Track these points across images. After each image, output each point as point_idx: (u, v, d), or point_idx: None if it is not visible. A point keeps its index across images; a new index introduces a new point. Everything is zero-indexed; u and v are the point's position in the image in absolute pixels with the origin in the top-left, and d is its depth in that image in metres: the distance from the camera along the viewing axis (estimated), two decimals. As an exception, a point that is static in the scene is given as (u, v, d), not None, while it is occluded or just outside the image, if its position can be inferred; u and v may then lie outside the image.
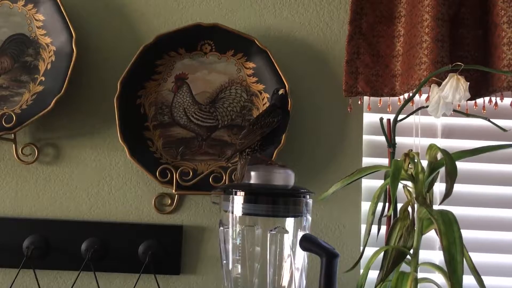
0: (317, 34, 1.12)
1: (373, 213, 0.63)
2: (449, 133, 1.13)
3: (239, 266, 0.85)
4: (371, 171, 0.70)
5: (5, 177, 1.07)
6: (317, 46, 1.12)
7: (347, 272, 0.69)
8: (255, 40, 1.05)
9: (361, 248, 0.64)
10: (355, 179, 0.70)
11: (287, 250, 0.84)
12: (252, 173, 0.85)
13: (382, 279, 0.64)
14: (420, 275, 0.65)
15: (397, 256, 0.64)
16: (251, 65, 1.07)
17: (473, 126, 1.12)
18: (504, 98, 1.04)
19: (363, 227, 1.09)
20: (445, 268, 0.61)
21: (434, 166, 0.63)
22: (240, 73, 1.08)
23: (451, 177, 0.57)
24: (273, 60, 1.05)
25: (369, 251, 0.76)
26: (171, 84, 1.07)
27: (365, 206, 1.09)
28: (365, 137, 1.11)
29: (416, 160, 0.63)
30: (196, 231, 1.07)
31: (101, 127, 1.08)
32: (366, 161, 1.10)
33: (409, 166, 0.64)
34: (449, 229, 0.57)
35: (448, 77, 0.85)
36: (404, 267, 0.66)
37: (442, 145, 1.11)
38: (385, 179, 0.71)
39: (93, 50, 1.09)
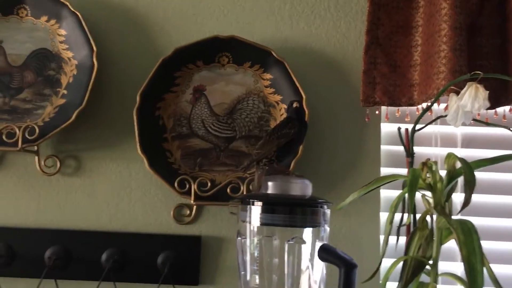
0: (334, 45, 1.13)
1: (391, 222, 0.63)
2: (469, 142, 1.12)
3: (257, 277, 0.85)
4: (389, 180, 0.69)
5: (28, 189, 1.09)
6: (334, 56, 1.13)
7: (365, 282, 0.69)
8: (272, 52, 1.06)
9: (381, 259, 0.63)
10: (372, 188, 0.70)
11: (305, 261, 0.84)
12: (270, 183, 0.86)
13: (401, 289, 0.64)
14: (440, 287, 0.65)
15: (416, 266, 0.63)
16: (268, 76, 1.08)
17: (494, 136, 1.10)
18: (525, 107, 1.03)
19: (382, 238, 1.07)
20: (464, 278, 0.61)
21: (452, 175, 0.63)
22: (257, 84, 1.09)
23: (470, 186, 0.56)
24: (289, 71, 1.05)
25: (388, 262, 0.75)
26: (189, 96, 1.09)
27: (384, 217, 1.08)
28: (383, 147, 1.10)
29: (434, 169, 0.63)
30: (215, 241, 1.08)
31: (121, 139, 1.10)
32: (384, 171, 1.09)
33: (427, 175, 0.64)
34: (469, 238, 0.57)
35: (466, 86, 0.85)
36: (424, 278, 0.65)
37: (462, 154, 1.09)
38: (403, 188, 0.71)
39: (113, 64, 1.11)
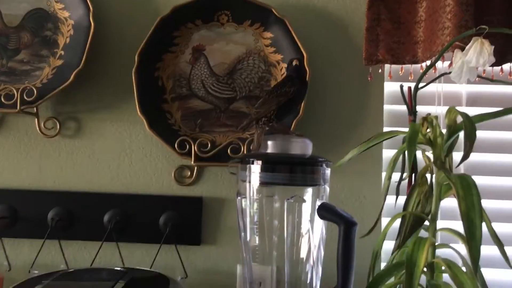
0: (337, 1, 1.10)
1: (389, 178, 0.62)
2: (474, 101, 1.09)
3: (257, 237, 0.85)
4: (389, 136, 0.68)
5: (29, 151, 1.09)
6: (337, 13, 1.10)
7: (363, 237, 0.69)
8: (273, 9, 1.03)
9: (379, 215, 0.63)
10: (372, 144, 0.69)
11: (305, 221, 0.84)
12: (269, 143, 0.85)
13: (399, 245, 0.63)
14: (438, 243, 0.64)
15: (415, 222, 0.63)
16: (269, 35, 1.06)
17: (499, 94, 1.08)
18: (533, 64, 1.00)
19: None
20: (464, 234, 0.60)
21: (453, 130, 0.61)
22: (257, 43, 1.06)
23: (470, 140, 0.55)
24: (290, 29, 1.03)
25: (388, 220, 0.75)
26: (188, 56, 1.07)
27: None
28: (386, 107, 1.09)
29: (434, 124, 0.61)
30: (216, 202, 1.08)
31: (120, 100, 1.08)
32: (387, 131, 1.08)
33: (427, 130, 0.62)
34: (468, 193, 0.56)
35: (472, 41, 0.82)
36: (422, 234, 0.65)
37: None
38: (403, 144, 0.70)
39: (111, 23, 1.09)
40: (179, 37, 1.06)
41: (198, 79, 1.06)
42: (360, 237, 0.69)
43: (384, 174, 1.07)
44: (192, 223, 1.06)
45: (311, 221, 0.83)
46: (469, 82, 0.85)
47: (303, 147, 0.86)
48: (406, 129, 1.01)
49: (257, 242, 0.85)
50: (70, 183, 1.08)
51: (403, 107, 1.06)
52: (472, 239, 0.54)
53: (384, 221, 1.05)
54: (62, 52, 1.05)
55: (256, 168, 0.83)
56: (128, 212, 1.05)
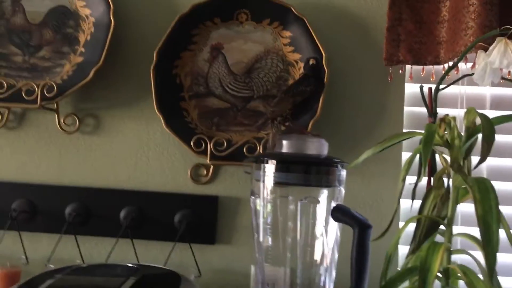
0: (358, 1, 1.08)
1: (404, 179, 0.60)
2: (498, 104, 1.06)
3: (270, 237, 0.84)
4: (405, 137, 0.66)
5: (49, 146, 1.10)
6: (358, 13, 1.08)
7: (375, 240, 0.67)
8: (292, 8, 1.02)
9: (392, 219, 0.61)
10: (387, 145, 0.67)
11: (319, 221, 0.82)
12: (284, 142, 0.83)
13: (413, 250, 0.61)
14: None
15: (430, 226, 0.61)
16: (288, 34, 1.05)
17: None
18: (560, 66, 0.97)
19: (403, 202, 1.05)
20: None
21: (472, 132, 0.59)
22: (276, 42, 1.05)
23: (488, 141, 0.53)
24: (310, 29, 1.01)
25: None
26: (206, 54, 1.06)
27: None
28: (406, 109, 1.06)
29: (452, 125, 0.59)
30: (231, 201, 1.07)
31: (138, 97, 1.09)
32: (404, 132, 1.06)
33: (445, 132, 0.60)
34: (485, 197, 0.54)
35: (495, 41, 0.80)
36: (438, 238, 0.63)
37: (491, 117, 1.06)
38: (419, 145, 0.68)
39: (130, 21, 1.09)
40: (197, 35, 1.06)
41: (216, 77, 1.06)
42: (372, 240, 0.67)
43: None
44: (207, 222, 1.05)
45: (326, 223, 0.82)
46: (492, 84, 0.82)
47: (318, 147, 0.84)
48: (418, 131, 1.01)
49: (270, 242, 0.84)
50: (88, 179, 1.09)
51: (424, 109, 1.04)
52: (488, 245, 0.52)
53: (401, 225, 1.03)
54: (83, 49, 1.07)
55: (270, 167, 0.82)
56: (144, 210, 1.06)
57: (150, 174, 1.09)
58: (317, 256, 0.83)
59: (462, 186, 0.60)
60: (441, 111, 0.99)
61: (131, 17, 1.09)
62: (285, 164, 0.81)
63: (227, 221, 1.07)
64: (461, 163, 0.59)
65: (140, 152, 1.09)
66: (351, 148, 1.05)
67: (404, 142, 1.05)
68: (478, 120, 0.60)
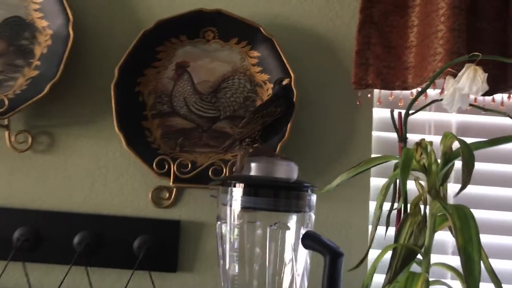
0: (327, 23, 1.07)
1: (381, 206, 0.57)
2: (464, 131, 1.07)
3: (236, 265, 0.80)
4: (380, 161, 0.64)
5: (-3, 165, 1.02)
6: (327, 35, 1.07)
7: (351, 270, 0.64)
8: (261, 28, 1.00)
9: (369, 247, 0.58)
10: (362, 170, 0.65)
11: (288, 248, 0.79)
12: (253, 165, 0.80)
13: (390, 280, 0.58)
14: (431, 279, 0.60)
15: (407, 255, 0.58)
16: (256, 54, 1.02)
17: (490, 124, 1.06)
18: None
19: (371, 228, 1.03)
20: (460, 270, 0.56)
21: (448, 157, 0.58)
22: (244, 62, 1.03)
23: (468, 167, 0.51)
24: (278, 49, 0.99)
25: (377, 253, 0.70)
26: (171, 72, 1.02)
27: (374, 206, 1.03)
28: (375, 133, 1.05)
29: (429, 150, 0.57)
30: (194, 226, 1.02)
31: (97, 115, 1.03)
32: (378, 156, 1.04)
33: (421, 156, 0.58)
34: (465, 225, 0.52)
35: (464, 68, 0.80)
36: (414, 268, 0.60)
37: (457, 144, 1.06)
38: (394, 170, 0.66)
39: (91, 35, 1.04)
40: (162, 52, 1.02)
41: (181, 96, 1.02)
42: (348, 270, 0.64)
43: (371, 203, 1.03)
44: (168, 248, 1.00)
45: (295, 249, 0.78)
46: (460, 110, 0.82)
47: (288, 170, 0.81)
48: (398, 155, 1.00)
49: (237, 270, 0.80)
50: (40, 201, 1.02)
51: (392, 134, 1.03)
52: (470, 275, 0.50)
53: (372, 252, 1.01)
54: (38, 63, 1.00)
55: (237, 191, 0.79)
56: (100, 234, 0.99)
57: (108, 197, 1.02)
58: (286, 284, 0.79)
59: (439, 214, 0.57)
60: (409, 136, 0.99)
61: (92, 30, 1.04)
62: (253, 187, 0.78)
63: (190, 247, 1.01)
64: (438, 189, 0.57)
65: (97, 173, 1.03)
66: (319, 172, 1.03)
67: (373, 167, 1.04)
68: (454, 145, 0.59)
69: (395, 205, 0.63)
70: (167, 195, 1.02)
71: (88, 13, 1.04)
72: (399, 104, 1.02)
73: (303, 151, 1.04)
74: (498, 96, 1.00)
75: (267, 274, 0.78)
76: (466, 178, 0.50)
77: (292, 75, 0.98)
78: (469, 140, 1.03)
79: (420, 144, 0.59)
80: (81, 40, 1.01)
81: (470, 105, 0.85)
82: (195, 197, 1.02)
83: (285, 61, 0.99)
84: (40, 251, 0.98)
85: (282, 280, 0.79)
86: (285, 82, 0.84)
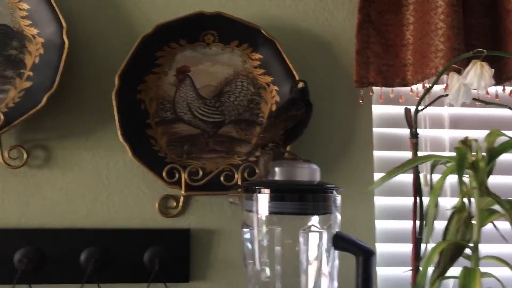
0: (322, 23, 1.08)
1: (436, 205, 0.59)
2: (456, 123, 1.11)
3: (267, 270, 0.79)
4: (422, 161, 0.66)
5: (-11, 184, 0.96)
6: (323, 36, 1.08)
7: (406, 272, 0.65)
8: (261, 30, 0.99)
9: (426, 244, 0.59)
10: (405, 169, 0.66)
11: (318, 250, 0.79)
12: (276, 169, 0.80)
13: (439, 274, 0.60)
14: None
15: (456, 250, 0.60)
16: (258, 56, 1.01)
17: (481, 116, 1.10)
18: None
19: (377, 223, 1.05)
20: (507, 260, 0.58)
21: (493, 154, 0.60)
22: (245, 65, 1.01)
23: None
24: (281, 51, 0.99)
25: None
26: (172, 77, 1.00)
27: (378, 201, 1.06)
28: (375, 129, 1.07)
29: (475, 147, 0.59)
30: (205, 234, 1.00)
31: (96, 126, 0.99)
32: (377, 154, 1.07)
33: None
34: (520, 219, 0.54)
35: (471, 64, 0.83)
36: (461, 262, 0.62)
37: (450, 136, 1.10)
38: (431, 169, 0.68)
39: (86, 43, 0.99)
40: (162, 57, 0.99)
41: (184, 102, 0.99)
42: (405, 271, 0.65)
43: (376, 198, 1.05)
44: (180, 258, 0.97)
45: (326, 251, 0.78)
46: (464, 104, 0.85)
47: (310, 173, 0.81)
48: (399, 154, 1.02)
49: (268, 275, 0.79)
50: (39, 220, 0.96)
51: (392, 130, 1.06)
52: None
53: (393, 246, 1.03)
54: (31, 73, 0.95)
55: (264, 197, 0.78)
56: (107, 249, 0.95)
57: (113, 210, 0.99)
58: (317, 285, 0.79)
59: (486, 209, 0.60)
60: (401, 131, 1.03)
61: (88, 37, 0.99)
62: (279, 192, 0.78)
63: (201, 256, 0.99)
64: (487, 186, 0.59)
65: (99, 186, 0.99)
66: (324, 171, 1.03)
67: (375, 163, 1.06)
68: (497, 142, 0.61)
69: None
70: (175, 204, 0.99)
71: (80, 20, 0.99)
72: (400, 100, 1.05)
73: (307, 151, 1.04)
74: (492, 89, 1.04)
75: (300, 277, 0.78)
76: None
77: (296, 76, 0.98)
78: (461, 132, 1.09)
79: (466, 142, 0.61)
80: (76, 48, 0.96)
81: (474, 99, 0.88)
82: (203, 204, 1.01)
83: (288, 62, 0.99)
84: (46, 271, 0.93)
85: (315, 282, 0.79)
86: (300, 85, 0.84)
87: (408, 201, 1.02)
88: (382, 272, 1.03)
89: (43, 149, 0.98)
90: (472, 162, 0.59)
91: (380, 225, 1.06)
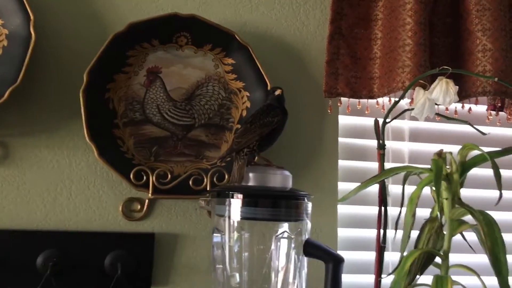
0: (294, 32, 1.09)
1: (414, 215, 0.61)
2: (416, 136, 1.15)
3: (237, 275, 0.79)
4: (398, 171, 0.68)
5: None
6: (294, 45, 1.09)
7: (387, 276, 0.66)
8: (235, 35, 0.99)
9: (402, 253, 0.61)
10: (380, 179, 0.68)
11: (288, 256, 0.80)
12: (250, 175, 0.80)
13: (409, 282, 0.62)
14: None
15: (427, 258, 0.62)
16: (230, 61, 1.01)
17: (438, 130, 1.15)
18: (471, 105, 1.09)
19: (340, 231, 1.07)
20: (475, 269, 0.61)
21: (465, 167, 0.63)
22: (218, 69, 1.01)
23: (497, 177, 0.56)
24: (254, 57, 0.99)
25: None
26: (143, 78, 0.98)
27: (341, 209, 1.08)
28: (341, 139, 1.09)
29: (450, 160, 0.62)
30: (169, 238, 0.98)
31: (59, 124, 0.95)
32: (342, 164, 1.09)
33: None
34: (491, 229, 0.57)
35: (437, 80, 0.86)
36: (430, 271, 0.65)
37: (409, 148, 1.14)
38: (404, 180, 0.70)
39: (53, 37, 0.96)
40: (133, 56, 0.97)
41: (154, 103, 0.97)
42: (384, 277, 0.66)
43: (339, 207, 1.07)
44: (142, 263, 0.95)
45: (296, 257, 0.79)
46: (428, 118, 0.88)
47: (283, 179, 0.82)
48: (363, 164, 1.05)
49: (237, 280, 0.79)
50: (-7, 220, 0.91)
51: (357, 141, 1.09)
52: (499, 275, 0.55)
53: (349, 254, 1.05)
54: (-8, 65, 0.90)
55: (236, 202, 0.78)
56: (67, 253, 0.91)
57: (73, 211, 0.95)
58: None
59: (457, 219, 0.62)
60: (363, 142, 1.06)
61: (57, 31, 0.96)
62: (253, 198, 0.78)
63: (165, 261, 0.97)
64: (460, 197, 0.62)
65: (60, 186, 0.95)
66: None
67: (340, 172, 1.08)
68: (469, 155, 0.64)
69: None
70: (139, 207, 0.97)
71: (49, 12, 0.96)
72: (366, 112, 1.08)
73: (273, 157, 1.05)
74: (451, 106, 1.09)
75: (270, 282, 0.78)
76: (499, 186, 0.55)
77: (268, 82, 0.99)
78: (420, 145, 1.13)
79: (440, 155, 0.63)
80: (42, 42, 0.92)
81: (438, 114, 0.92)
82: (168, 208, 0.99)
83: (260, 69, 0.99)
84: (-1, 275, 0.88)
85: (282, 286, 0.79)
86: (277, 92, 0.85)
87: (369, 210, 1.06)
88: (344, 279, 1.05)
89: (1, 145, 0.93)
90: (446, 173, 0.61)
91: (342, 233, 1.07)
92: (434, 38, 1.08)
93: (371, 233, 1.01)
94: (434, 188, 0.63)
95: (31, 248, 0.90)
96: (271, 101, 0.85)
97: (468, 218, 0.63)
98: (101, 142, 0.92)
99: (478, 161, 0.62)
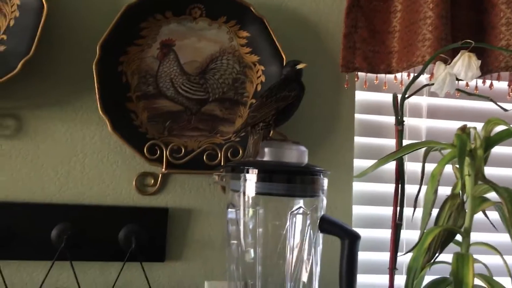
0: (310, 4, 1.06)
1: (436, 191, 0.59)
2: (433, 113, 1.12)
3: (251, 250, 0.78)
4: (418, 147, 0.66)
5: (-47, 153, 0.90)
6: (310, 17, 1.06)
7: (406, 253, 0.65)
8: (251, 7, 0.96)
9: (423, 230, 0.59)
10: (400, 155, 0.66)
11: (303, 233, 0.79)
12: (264, 149, 0.78)
13: (429, 260, 0.61)
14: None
15: (447, 236, 0.61)
16: (245, 34, 0.98)
17: (457, 107, 1.12)
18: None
19: (355, 208, 1.06)
20: (497, 247, 0.60)
21: (490, 142, 0.60)
22: (232, 42, 0.99)
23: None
24: (269, 29, 0.97)
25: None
26: (156, 50, 0.96)
27: (356, 186, 1.06)
28: (357, 116, 1.07)
29: (474, 135, 0.60)
30: (183, 213, 0.98)
31: (73, 96, 0.94)
32: (358, 140, 1.07)
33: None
34: (515, 207, 0.55)
35: (459, 54, 0.83)
36: (451, 248, 0.63)
37: (427, 125, 1.12)
38: (424, 156, 0.68)
39: (66, 8, 0.94)
40: (146, 28, 0.95)
41: (167, 77, 0.96)
42: (402, 254, 0.65)
43: (354, 184, 1.06)
44: (156, 237, 0.95)
45: (312, 234, 0.78)
46: (448, 93, 0.86)
47: (299, 155, 0.81)
48: (378, 141, 1.03)
49: (252, 256, 0.78)
50: (8, 192, 0.91)
51: (374, 117, 1.07)
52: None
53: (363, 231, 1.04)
54: (4, 37, 0.89)
55: (251, 177, 0.76)
56: (81, 226, 0.91)
57: (87, 185, 0.94)
58: (300, 269, 0.79)
59: (479, 196, 0.60)
60: (380, 118, 1.03)
61: (69, 2, 0.94)
62: (268, 173, 0.76)
63: (178, 236, 0.97)
64: (483, 173, 0.60)
65: (73, 160, 0.94)
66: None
67: (356, 149, 1.06)
68: (494, 130, 0.62)
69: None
70: (152, 181, 0.96)
71: (62, -17, 0.94)
72: (384, 87, 1.05)
73: (288, 133, 1.03)
74: (472, 82, 1.06)
75: (285, 258, 0.78)
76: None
77: (283, 56, 0.97)
78: (438, 122, 1.11)
79: (464, 130, 0.61)
80: (55, 12, 0.91)
81: (457, 89, 0.89)
82: (182, 183, 0.98)
83: (276, 42, 0.97)
84: (13, 247, 0.88)
85: (298, 264, 0.79)
86: (300, 66, 0.83)
87: (383, 187, 1.05)
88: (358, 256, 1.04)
89: (13, 118, 0.92)
90: (470, 149, 0.59)
91: (357, 210, 1.06)
92: (455, 10, 1.04)
93: (386, 211, 1.00)
94: (457, 165, 0.61)
95: (45, 221, 0.90)
96: (289, 74, 0.82)
97: (491, 195, 0.61)
98: (114, 116, 0.91)
99: (503, 136, 0.60)
